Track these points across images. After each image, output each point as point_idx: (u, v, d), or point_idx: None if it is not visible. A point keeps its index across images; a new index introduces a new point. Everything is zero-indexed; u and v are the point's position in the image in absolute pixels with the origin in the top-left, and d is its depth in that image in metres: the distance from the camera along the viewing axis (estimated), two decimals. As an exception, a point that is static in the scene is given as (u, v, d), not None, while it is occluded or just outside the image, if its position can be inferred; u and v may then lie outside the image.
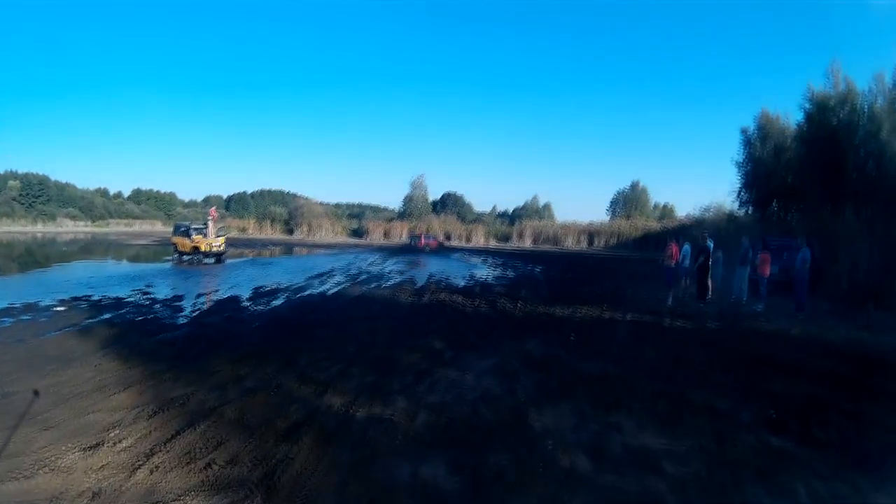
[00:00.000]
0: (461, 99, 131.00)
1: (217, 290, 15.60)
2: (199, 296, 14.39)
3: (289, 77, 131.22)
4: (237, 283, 17.32)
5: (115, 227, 67.34)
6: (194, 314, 11.59)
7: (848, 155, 20.36)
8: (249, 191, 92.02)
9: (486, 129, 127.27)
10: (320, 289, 16.67)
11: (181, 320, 10.87)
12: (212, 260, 25.24)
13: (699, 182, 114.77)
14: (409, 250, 44.82)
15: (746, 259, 14.71)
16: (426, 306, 13.35)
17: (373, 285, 17.90)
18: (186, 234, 26.00)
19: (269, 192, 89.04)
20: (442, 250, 47.03)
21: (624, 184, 77.77)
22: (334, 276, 20.87)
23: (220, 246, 25.75)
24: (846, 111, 21.07)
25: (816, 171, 21.81)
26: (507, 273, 25.48)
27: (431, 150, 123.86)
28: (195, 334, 9.42)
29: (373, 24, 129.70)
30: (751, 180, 29.40)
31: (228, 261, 26.71)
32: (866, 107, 20.67)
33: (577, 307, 13.19)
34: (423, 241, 48.63)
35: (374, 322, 10.80)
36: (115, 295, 13.83)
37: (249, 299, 13.74)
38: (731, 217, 35.20)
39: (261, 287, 16.16)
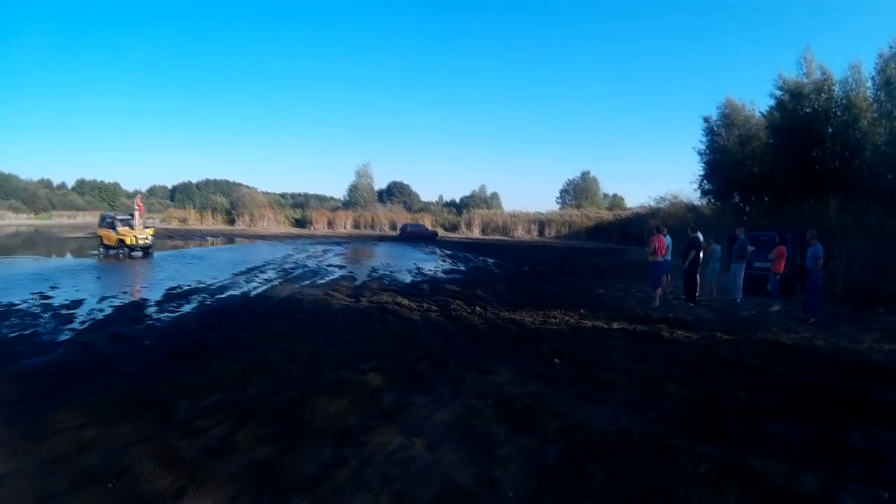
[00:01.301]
0: (408, 87, 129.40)
1: (125, 293, 13.00)
2: (102, 300, 11.84)
3: (235, 64, 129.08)
4: (154, 282, 15.04)
5: (58, 220, 64.67)
6: (83, 327, 9.18)
7: (825, 144, 19.14)
8: (195, 180, 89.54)
9: (433, 118, 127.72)
10: (245, 288, 14.16)
11: (62, 336, 8.45)
12: (139, 254, 22.84)
13: (648, 174, 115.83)
14: (388, 240, 44.50)
15: (743, 253, 12.69)
16: (364, 313, 10.65)
17: (306, 283, 15.40)
18: (112, 226, 23.46)
19: (215, 181, 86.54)
20: (429, 240, 46.43)
21: (574, 174, 76.86)
22: (266, 271, 18.39)
23: (147, 238, 23.23)
24: (822, 99, 19.78)
25: (789, 160, 20.76)
26: (459, 266, 23.02)
27: (379, 139, 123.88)
28: (63, 361, 7.00)
29: (321, 11, 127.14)
30: (714, 169, 28.21)
31: (158, 254, 24.42)
32: (843, 95, 19.31)
33: (548, 312, 10.77)
34: (409, 230, 48.93)
35: (295, 340, 8.15)
36: (5, 301, 11.22)
37: (157, 304, 11.48)
38: (691, 207, 34.00)
39: (177, 287, 13.80)
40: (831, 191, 17.65)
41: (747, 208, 25.40)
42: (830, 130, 19.15)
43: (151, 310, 10.78)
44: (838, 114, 19.17)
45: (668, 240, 13.50)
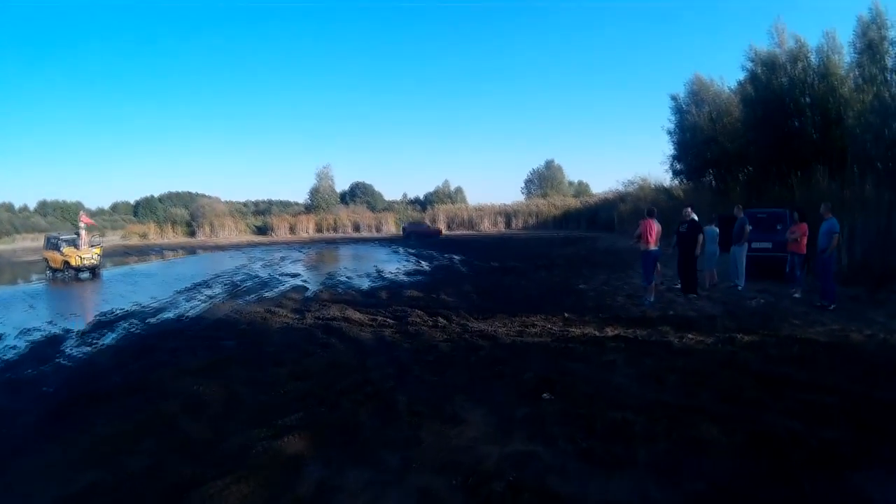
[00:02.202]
0: (366, 87, 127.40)
1: (52, 322, 11.30)
2: (22, 333, 10.32)
3: (192, 74, 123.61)
4: (88, 308, 13.54)
5: (21, 243, 60.54)
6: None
7: (805, 114, 18.16)
8: (158, 194, 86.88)
9: (393, 117, 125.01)
10: (182, 309, 12.40)
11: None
12: (87, 275, 21.17)
13: (613, 159, 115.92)
14: (356, 242, 42.55)
15: (742, 234, 11.11)
16: (305, 335, 8.68)
17: (251, 297, 13.58)
18: (56, 247, 21.91)
19: (178, 194, 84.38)
20: (432, 237, 45.05)
21: (537, 163, 75.75)
22: (212, 286, 16.41)
23: (93, 258, 21.52)
24: (799, 68, 18.71)
25: (765, 133, 19.67)
26: (422, 266, 21.09)
27: (340, 141, 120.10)
28: None
29: (277, 14, 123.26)
30: (685, 148, 27.27)
31: (108, 273, 22.55)
32: (820, 63, 18.30)
33: (525, 318, 8.98)
34: (409, 230, 47.77)
35: (213, 379, 6.33)
36: None
37: (80, 335, 9.82)
38: (661, 189, 32.81)
39: (110, 312, 12.09)
40: (813, 163, 16.54)
41: (723, 186, 24.20)
42: (808, 100, 18.14)
43: (70, 343, 9.26)
44: (816, 82, 18.16)
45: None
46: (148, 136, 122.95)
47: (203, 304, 12.65)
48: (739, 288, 11.08)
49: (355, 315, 10.01)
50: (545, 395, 5.20)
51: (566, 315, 8.99)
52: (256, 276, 18.70)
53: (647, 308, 9.63)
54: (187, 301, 13.39)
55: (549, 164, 72.18)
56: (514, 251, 26.88)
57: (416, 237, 44.45)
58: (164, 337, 9.15)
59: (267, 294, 14.08)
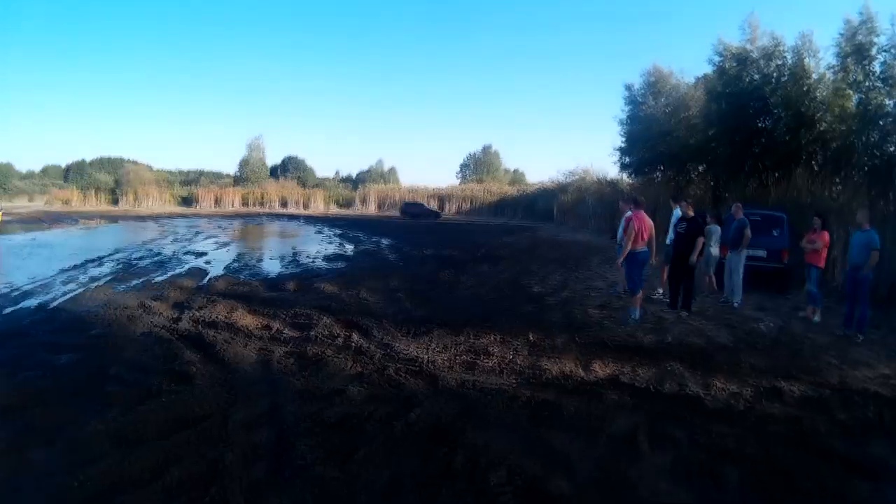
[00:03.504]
0: (304, 58, 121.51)
1: None
2: None
3: (128, 32, 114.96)
4: None
5: None
6: None
7: (776, 113, 16.65)
8: (89, 159, 77.70)
9: (330, 92, 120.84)
10: (52, 294, 9.47)
11: None
12: None
13: (551, 149, 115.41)
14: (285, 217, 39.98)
15: (742, 240, 9.00)
16: (166, 351, 5.85)
17: (137, 282, 10.78)
18: None
19: (110, 159, 75.31)
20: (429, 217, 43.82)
21: (475, 148, 73.65)
22: (105, 264, 13.59)
23: None
24: (773, 66, 17.27)
25: (730, 130, 18.04)
26: (346, 250, 18.21)
27: (276, 113, 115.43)
28: None
29: None
30: (636, 141, 25.47)
31: (5, 242, 19.40)
32: (796, 63, 16.73)
33: (475, 338, 6.45)
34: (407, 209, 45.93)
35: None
36: None
37: None
38: (608, 182, 31.30)
39: None
40: (790, 164, 15.59)
41: (679, 182, 22.70)
42: (781, 100, 16.68)
43: None
44: (790, 82, 16.63)
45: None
46: (83, 98, 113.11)
47: (78, 290, 9.69)
48: (735, 305, 9.00)
49: (245, 319, 7.19)
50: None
51: (531, 336, 6.46)
52: (159, 254, 15.91)
53: (634, 327, 7.32)
54: (64, 284, 10.55)
55: (486, 150, 70.31)
56: (448, 238, 24.41)
57: (413, 216, 43.05)
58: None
59: (158, 278, 11.27)
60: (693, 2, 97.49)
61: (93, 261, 13.83)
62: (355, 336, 6.33)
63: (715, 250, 9.54)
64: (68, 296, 9.15)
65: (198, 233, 24.92)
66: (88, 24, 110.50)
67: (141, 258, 14.67)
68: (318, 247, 19.10)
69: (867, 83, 14.85)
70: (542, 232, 29.47)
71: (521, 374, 5.11)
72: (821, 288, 8.61)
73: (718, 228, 9.59)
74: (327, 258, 15.43)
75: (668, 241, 9.32)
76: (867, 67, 14.86)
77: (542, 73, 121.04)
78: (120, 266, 13.08)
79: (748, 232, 8.94)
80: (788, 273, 10.34)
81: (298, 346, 6.01)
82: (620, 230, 9.72)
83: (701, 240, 8.20)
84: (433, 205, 55.98)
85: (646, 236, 7.74)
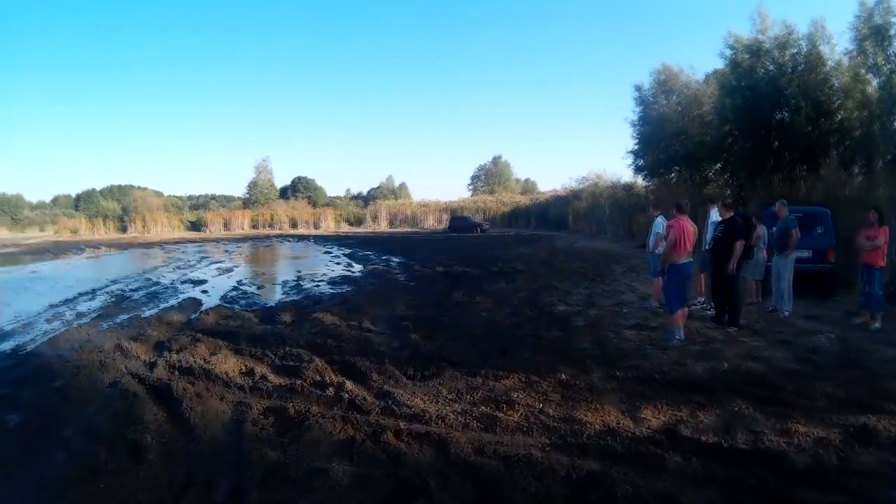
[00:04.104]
0: (311, 81, 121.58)
1: None
2: None
3: (133, 59, 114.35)
4: None
5: None
6: None
7: (795, 104, 15.99)
8: (100, 187, 78.15)
9: (338, 110, 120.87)
10: (32, 334, 8.79)
11: None
12: None
13: (562, 156, 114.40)
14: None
15: (788, 242, 7.96)
16: (127, 410, 4.86)
17: (124, 318, 9.86)
18: None
19: (120, 187, 75.70)
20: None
21: (485, 159, 73.05)
22: (97, 297, 12.79)
23: None
24: (788, 55, 16.68)
25: (748, 124, 17.25)
26: (353, 272, 17.31)
27: (284, 135, 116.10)
28: None
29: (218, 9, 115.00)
30: (651, 142, 24.75)
31: (4, 275, 19.43)
32: (811, 50, 16.23)
33: (493, 379, 5.43)
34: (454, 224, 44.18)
35: None
36: None
37: None
38: (624, 186, 30.32)
39: None
40: (806, 157, 15.13)
41: (696, 181, 21.75)
42: (799, 89, 15.96)
43: None
44: (807, 71, 16.05)
45: (658, 223, 8.80)
46: (92, 126, 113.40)
47: (60, 330, 8.90)
48: (786, 314, 7.95)
49: (226, 363, 6.22)
50: None
51: (561, 375, 5.42)
52: (157, 284, 14.99)
53: (680, 351, 6.28)
54: (48, 322, 9.80)
55: (496, 160, 69.79)
56: (461, 252, 23.41)
57: (458, 231, 41.67)
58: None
59: (147, 312, 10.39)
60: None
61: (86, 294, 13.10)
62: (349, 385, 5.32)
63: (763, 254, 8.52)
64: (48, 336, 8.34)
65: (203, 258, 24.19)
66: (98, 53, 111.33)
67: (136, 289, 13.84)
68: (324, 269, 18.24)
69: (887, 66, 14.20)
70: (557, 241, 28.43)
71: (555, 430, 4.08)
72: (880, 290, 7.54)
73: (766, 229, 8.57)
74: (332, 281, 14.55)
75: (705, 247, 8.31)
76: (887, 49, 14.22)
77: (549, 81, 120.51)
78: (112, 299, 12.27)
79: (796, 232, 7.89)
80: (834, 274, 9.30)
81: (281, 398, 5.04)
82: (651, 238, 8.74)
83: (739, 244, 7.18)
84: (444, 217, 55.48)
85: (688, 246, 6.69)
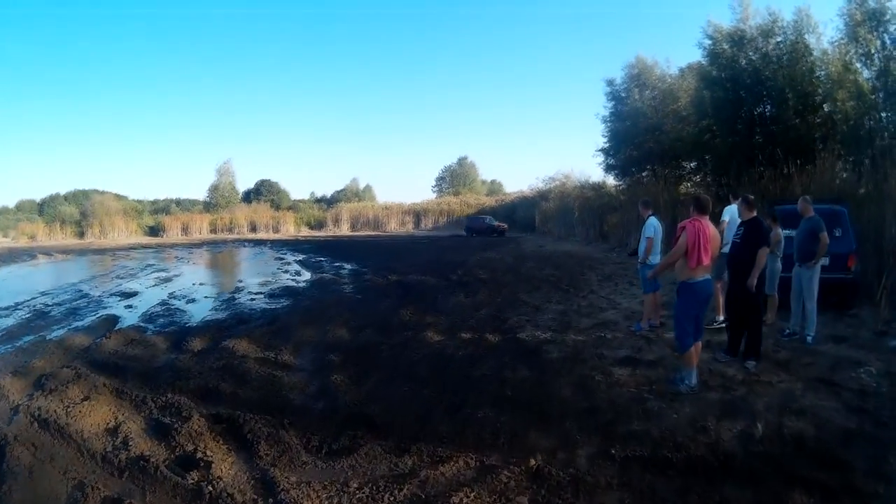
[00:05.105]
0: (276, 83, 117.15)
1: None
2: None
3: (105, 65, 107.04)
4: None
5: None
6: None
7: (782, 95, 15.06)
8: (63, 192, 74.04)
9: (303, 113, 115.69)
10: None
11: None
12: None
13: (528, 158, 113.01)
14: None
15: (815, 245, 6.33)
16: None
17: (25, 340, 8.39)
18: None
19: (84, 192, 71.52)
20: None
21: (451, 160, 71.49)
22: (15, 312, 11.24)
23: None
24: (773, 44, 15.75)
25: (730, 118, 16.39)
26: (299, 281, 15.42)
27: (249, 139, 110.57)
28: None
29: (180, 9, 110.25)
30: (624, 138, 23.65)
31: None
32: (797, 39, 15.32)
33: (429, 456, 3.74)
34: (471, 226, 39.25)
35: None
36: None
37: None
38: (589, 185, 29.08)
39: None
40: (800, 151, 13.69)
41: (671, 179, 20.52)
42: (785, 80, 14.93)
43: None
44: (794, 61, 15.07)
45: (653, 224, 7.20)
46: (56, 131, 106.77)
47: None
48: (809, 340, 6.35)
49: (93, 415, 4.79)
50: None
51: (531, 460, 3.62)
52: (85, 297, 13.27)
53: (696, 403, 4.59)
54: None
55: (461, 161, 68.34)
56: (421, 257, 21.68)
57: (477, 233, 37.47)
58: None
59: (54, 333, 8.93)
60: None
61: (4, 309, 11.45)
62: (223, 466, 3.58)
63: (779, 263, 6.95)
64: None
65: (148, 266, 22.44)
66: (61, 54, 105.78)
67: (60, 303, 12.20)
68: (269, 278, 16.29)
69: (883, 53, 13.12)
70: (525, 243, 26.89)
71: None
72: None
73: (783, 234, 7.00)
74: (272, 294, 12.65)
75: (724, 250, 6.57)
76: (883, 35, 13.13)
77: (516, 80, 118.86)
78: (28, 315, 10.71)
79: (825, 236, 6.28)
80: (855, 285, 7.83)
81: (131, 481, 3.36)
82: (642, 245, 7.09)
83: (764, 251, 5.53)
84: (408, 219, 53.74)
85: (707, 256, 4.84)
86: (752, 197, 5.85)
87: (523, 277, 13.44)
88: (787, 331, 6.67)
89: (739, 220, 5.97)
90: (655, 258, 7.02)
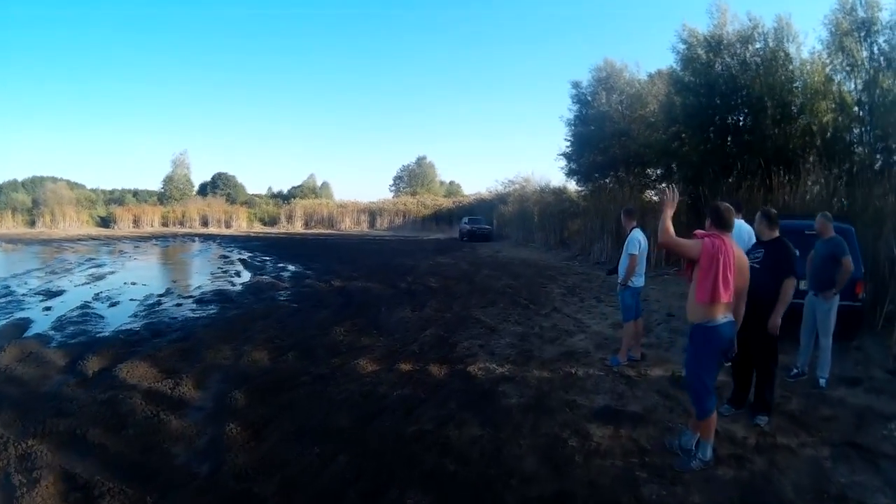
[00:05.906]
0: (236, 73, 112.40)
1: None
2: None
3: (68, 47, 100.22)
4: None
5: None
6: None
7: (760, 104, 14.27)
8: (21, 178, 70.25)
9: (262, 106, 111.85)
10: None
11: None
12: None
13: (488, 160, 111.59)
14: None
15: (834, 270, 5.22)
16: None
17: None
18: None
19: (40, 178, 67.61)
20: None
21: (410, 160, 70.11)
22: None
23: None
24: (752, 50, 15.14)
25: (703, 125, 15.62)
26: (235, 283, 13.94)
27: (206, 130, 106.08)
28: None
29: None
30: (588, 143, 22.75)
31: None
32: (777, 46, 14.71)
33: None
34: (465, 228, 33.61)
35: None
36: None
37: None
38: (549, 190, 28.22)
39: None
40: (776, 161, 13.10)
41: (637, 187, 19.67)
42: (765, 88, 14.16)
43: None
44: (775, 69, 14.41)
45: (636, 238, 6.00)
46: (14, 117, 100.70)
47: None
48: (823, 383, 5.24)
49: None
50: None
51: None
52: (7, 295, 11.99)
53: (700, 484, 3.38)
54: None
55: (420, 161, 67.25)
56: (370, 259, 20.30)
57: (474, 239, 31.99)
58: None
59: None
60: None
61: None
62: None
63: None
64: None
65: (88, 259, 21.16)
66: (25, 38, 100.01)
67: None
68: (205, 279, 14.89)
69: (872, 64, 12.59)
70: (481, 248, 25.68)
71: None
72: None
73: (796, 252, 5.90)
74: (201, 299, 11.17)
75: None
76: (872, 46, 12.75)
77: (477, 80, 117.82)
78: None
79: (849, 261, 5.17)
80: (862, 315, 6.80)
81: None
82: (623, 262, 5.88)
83: (791, 283, 4.33)
84: (363, 219, 52.35)
85: (725, 294, 3.47)
86: (775, 212, 4.68)
87: (478, 288, 12.15)
88: (795, 370, 5.55)
89: (755, 241, 4.81)
90: (639, 280, 5.84)
